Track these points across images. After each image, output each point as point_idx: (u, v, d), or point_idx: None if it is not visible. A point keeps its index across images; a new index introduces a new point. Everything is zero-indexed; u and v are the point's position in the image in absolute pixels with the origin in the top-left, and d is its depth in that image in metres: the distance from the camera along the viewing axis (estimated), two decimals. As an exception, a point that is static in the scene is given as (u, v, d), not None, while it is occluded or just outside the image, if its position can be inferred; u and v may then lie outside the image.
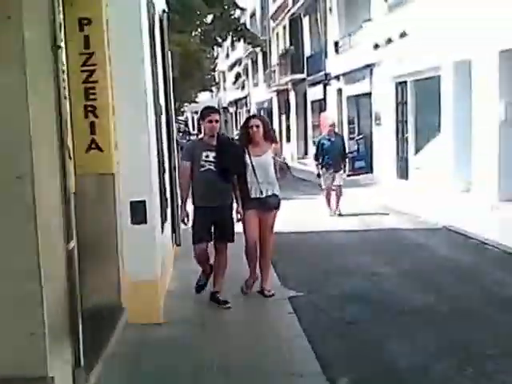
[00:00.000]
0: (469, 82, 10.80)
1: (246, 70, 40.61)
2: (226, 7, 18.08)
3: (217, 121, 5.38)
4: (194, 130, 39.21)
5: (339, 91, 19.58)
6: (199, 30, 18.90)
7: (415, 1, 12.67)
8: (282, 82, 26.75)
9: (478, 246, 7.99)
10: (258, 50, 33.46)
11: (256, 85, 36.46)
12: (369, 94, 16.50)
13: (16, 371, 2.92)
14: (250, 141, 5.69)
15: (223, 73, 52.29)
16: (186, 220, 5.50)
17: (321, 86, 21.66)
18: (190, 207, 5.57)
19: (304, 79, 23.68)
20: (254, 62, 36.97)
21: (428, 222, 9.85)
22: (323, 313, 5.49)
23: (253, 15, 35.68)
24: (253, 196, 5.60)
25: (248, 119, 5.97)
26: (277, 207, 5.79)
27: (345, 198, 11.25)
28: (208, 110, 5.52)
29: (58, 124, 3.15)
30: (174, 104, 8.90)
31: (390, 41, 13.78)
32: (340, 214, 10.83)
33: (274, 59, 29.43)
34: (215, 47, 29.12)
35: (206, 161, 5.32)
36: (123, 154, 4.62)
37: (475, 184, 10.83)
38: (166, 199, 5.89)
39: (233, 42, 33.26)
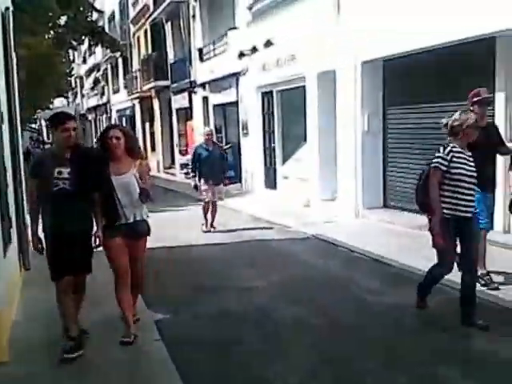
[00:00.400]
0: (333, 92, 10.96)
1: (105, 75, 39.00)
2: (81, 9, 16.97)
3: (74, 129, 4.47)
4: (48, 138, 36.84)
5: (205, 99, 19.33)
6: (52, 32, 17.56)
7: (280, 11, 12.69)
8: (145, 88, 25.95)
9: (346, 254, 8.07)
10: (117, 54, 32.32)
11: (117, 91, 35.10)
12: (236, 103, 16.38)
13: None
14: (109, 156, 4.74)
15: (81, 78, 50.10)
16: (39, 248, 4.52)
17: (186, 94, 21.26)
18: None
19: (168, 86, 23.11)
20: (114, 68, 35.59)
21: (297, 231, 9.83)
22: (192, 334, 5.13)
23: (112, 19, 34.39)
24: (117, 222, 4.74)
25: (106, 129, 4.92)
26: (145, 234, 4.94)
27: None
28: (61, 117, 4.53)
29: None
30: (21, 111, 7.96)
31: (255, 50, 13.73)
32: (214, 231, 10.27)
33: (136, 65, 28.50)
34: (71, 51, 27.55)
35: (58, 178, 4.39)
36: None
37: (341, 192, 11.01)
38: (10, 218, 5.06)
39: (90, 46, 31.95)
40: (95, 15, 21.43)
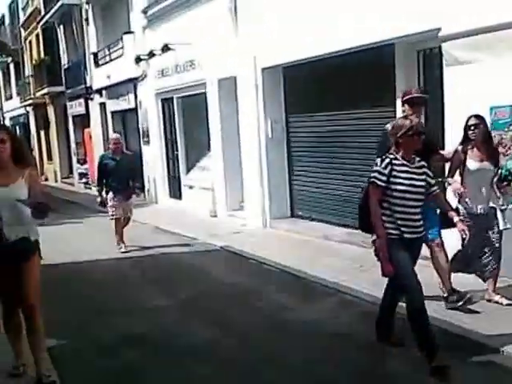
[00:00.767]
0: (235, 99, 10.73)
1: (-4, 81, 36.83)
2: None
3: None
4: None
5: (102, 106, 18.51)
6: None
7: (176, 15, 12.29)
8: (39, 95, 24.60)
9: (256, 267, 7.83)
10: (9, 60, 30.67)
11: (9, 98, 33.25)
12: (135, 110, 15.75)
13: None
14: None
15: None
16: None
17: (82, 101, 20.29)
18: None
19: (63, 92, 21.98)
20: (6, 73, 33.70)
21: (205, 243, 9.49)
22: (90, 363, 4.69)
23: (2, 23, 32.61)
24: None
25: None
26: (30, 256, 4.08)
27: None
28: None
29: None
30: None
31: (152, 54, 13.22)
32: (125, 251, 9.20)
33: (28, 70, 27.03)
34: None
35: None
36: None
37: (248, 202, 10.79)
38: None
39: None
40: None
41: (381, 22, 7.00)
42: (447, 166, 5.45)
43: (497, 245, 5.20)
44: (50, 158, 26.83)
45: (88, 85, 19.20)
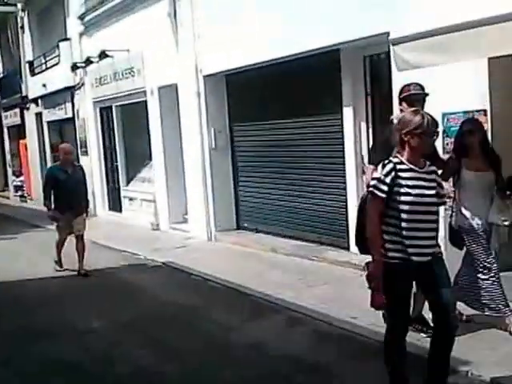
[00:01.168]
0: (177, 107, 10.32)
1: None
2: None
3: None
4: None
5: (38, 116, 17.73)
6: None
7: (114, 22, 11.81)
8: (-29, 105, 23.44)
9: (200, 284, 7.38)
10: None
11: None
12: (72, 120, 15.09)
13: None
14: None
15: None
16: None
17: (17, 110, 19.43)
18: None
19: (-2, 102, 21.03)
20: None
21: (146, 259, 8.99)
22: None
23: None
24: None
25: None
26: None
27: (52, 236, 9.62)
28: None
29: None
30: None
31: (89, 62, 12.65)
32: (86, 274, 8.15)
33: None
34: None
35: None
36: None
37: (192, 214, 10.37)
38: None
39: None
40: None
41: (325, 26, 6.79)
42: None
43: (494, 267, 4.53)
44: (-17, 170, 25.66)
45: (24, 94, 18.44)
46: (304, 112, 7.97)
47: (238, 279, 7.08)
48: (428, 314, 4.44)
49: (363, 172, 7.10)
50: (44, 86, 16.01)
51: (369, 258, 3.46)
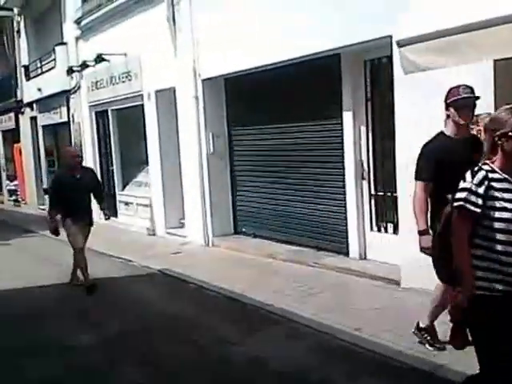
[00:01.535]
0: (175, 111, 10.18)
1: None
2: None
3: None
4: None
5: (33, 120, 17.59)
6: None
7: (111, 26, 11.68)
8: (-34, 108, 23.26)
9: (197, 293, 7.18)
10: None
11: None
12: (67, 124, 14.93)
13: None
14: None
15: None
16: None
17: (12, 115, 19.34)
18: None
19: (-7, 107, 20.85)
20: None
21: (141, 266, 8.80)
22: None
23: None
24: None
25: None
26: None
27: (44, 241, 9.41)
28: None
29: None
30: None
31: (85, 66, 12.50)
32: (92, 289, 7.41)
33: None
34: None
35: None
36: None
37: (188, 219, 10.21)
38: None
39: None
40: None
41: (325, 30, 6.65)
42: None
43: None
44: (-22, 174, 25.47)
45: (19, 98, 18.32)
46: (303, 117, 7.84)
47: (235, 287, 6.91)
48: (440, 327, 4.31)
49: (362, 177, 7.00)
50: (39, 90, 15.88)
51: None
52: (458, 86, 4.08)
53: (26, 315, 6.62)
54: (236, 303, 6.50)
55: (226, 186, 9.66)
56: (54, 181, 7.88)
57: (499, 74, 4.86)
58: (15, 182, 20.43)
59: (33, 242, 12.50)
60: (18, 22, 17.79)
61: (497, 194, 2.71)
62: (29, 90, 17.14)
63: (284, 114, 8.23)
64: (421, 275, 5.51)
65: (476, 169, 2.78)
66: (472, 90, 4.11)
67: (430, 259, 3.53)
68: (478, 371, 2.88)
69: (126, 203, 12.62)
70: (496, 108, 4.89)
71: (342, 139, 7.10)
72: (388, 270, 6.38)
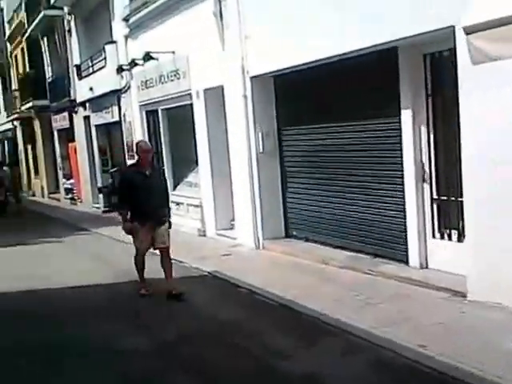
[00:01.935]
0: (223, 110, 9.95)
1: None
2: None
3: None
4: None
5: (86, 119, 17.78)
6: None
7: (159, 23, 11.56)
8: (24, 109, 23.97)
9: (248, 298, 6.95)
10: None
11: (-3, 113, 32.58)
12: (119, 123, 14.99)
13: None
14: None
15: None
16: None
17: (66, 114, 19.63)
18: None
19: (48, 106, 21.25)
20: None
21: (191, 267, 8.66)
22: None
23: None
24: None
25: None
26: None
27: (97, 240, 9.44)
28: None
29: None
30: None
31: (134, 64, 12.45)
32: (180, 296, 6.94)
33: (14, 84, 26.42)
34: None
35: None
36: None
37: (239, 220, 9.99)
38: None
39: None
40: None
41: (381, 22, 6.23)
42: None
43: None
44: (36, 172, 26.20)
45: (72, 98, 18.58)
46: (358, 115, 7.43)
47: (287, 293, 6.63)
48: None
49: (423, 180, 6.55)
50: (91, 89, 16.03)
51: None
52: None
53: (71, 315, 6.60)
54: (288, 311, 6.23)
55: (277, 187, 9.36)
56: (122, 179, 7.36)
57: None
58: (71, 181, 20.84)
59: (85, 239, 12.68)
60: (69, 22, 18.02)
61: None
62: (81, 90, 17.35)
63: (337, 111, 7.84)
64: (490, 287, 5.12)
65: None
66: None
67: (501, 270, 3.11)
68: None
69: (177, 203, 12.48)
70: None
71: (401, 139, 6.65)
72: (452, 280, 5.91)
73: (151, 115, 13.23)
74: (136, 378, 4.76)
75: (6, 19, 26.63)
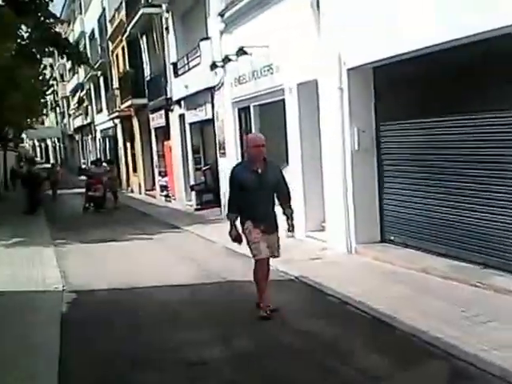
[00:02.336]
0: (316, 106, 9.41)
1: (88, 95, 38.00)
2: (42, 18, 15.71)
3: None
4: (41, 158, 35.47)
5: (181, 117, 17.86)
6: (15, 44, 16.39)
7: (253, 17, 11.24)
8: (123, 107, 24.64)
9: (337, 308, 6.36)
10: (99, 73, 31.28)
11: (100, 111, 34.02)
12: (212, 121, 14.86)
13: None
14: None
15: (67, 98, 49.53)
16: None
17: (163, 112, 19.85)
18: None
19: (146, 105, 21.68)
20: (97, 87, 34.58)
21: (277, 270, 8.07)
22: None
23: (92, 37, 33.60)
24: None
25: None
26: None
27: (187, 238, 9.21)
28: None
29: None
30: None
31: (228, 60, 12.22)
32: (272, 311, 6.17)
33: (115, 83, 27.28)
34: (49, 69, 26.62)
35: None
36: None
37: (330, 222, 9.40)
38: None
39: (73, 65, 31.13)
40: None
41: (498, 3, 5.46)
42: None
43: None
44: (134, 170, 26.92)
45: (168, 96, 18.74)
46: (467, 108, 6.65)
47: (382, 305, 5.97)
48: None
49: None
50: (186, 87, 16.04)
51: None
52: None
53: (149, 321, 6.33)
54: (383, 326, 5.59)
55: (373, 187, 8.67)
56: (232, 178, 6.26)
57: None
58: (166, 178, 21.15)
59: (175, 237, 12.61)
60: (167, 19, 18.15)
61: None
62: (177, 88, 17.43)
63: (444, 105, 7.09)
64: None
65: None
66: None
67: None
68: None
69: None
70: None
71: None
72: None
73: (243, 112, 12.94)
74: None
75: (107, 18, 27.55)
